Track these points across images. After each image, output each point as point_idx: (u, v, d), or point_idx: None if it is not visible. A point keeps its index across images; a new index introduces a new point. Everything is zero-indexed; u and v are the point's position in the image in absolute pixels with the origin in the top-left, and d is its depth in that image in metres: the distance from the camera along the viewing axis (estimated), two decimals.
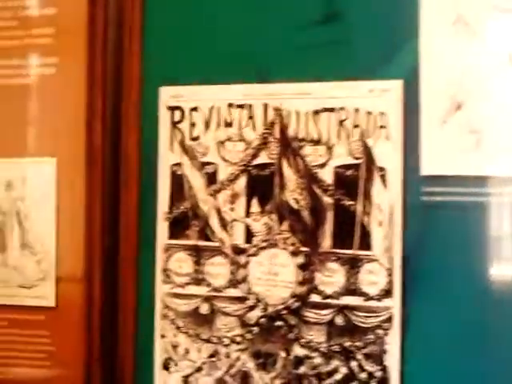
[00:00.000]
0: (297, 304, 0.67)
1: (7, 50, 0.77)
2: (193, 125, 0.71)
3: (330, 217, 0.67)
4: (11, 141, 0.78)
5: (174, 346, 0.72)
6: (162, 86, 0.72)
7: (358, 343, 0.65)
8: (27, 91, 0.77)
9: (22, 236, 0.77)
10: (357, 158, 0.66)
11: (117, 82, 0.75)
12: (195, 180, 0.71)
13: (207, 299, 0.71)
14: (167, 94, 0.72)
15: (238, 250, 0.70)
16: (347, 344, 0.65)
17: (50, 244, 0.75)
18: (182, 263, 0.72)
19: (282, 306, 0.68)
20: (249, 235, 0.69)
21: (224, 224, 0.70)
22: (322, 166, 0.67)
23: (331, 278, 0.66)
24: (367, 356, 0.65)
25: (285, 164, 0.68)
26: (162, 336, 0.72)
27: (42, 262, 0.76)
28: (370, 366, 0.65)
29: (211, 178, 0.71)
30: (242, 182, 0.70)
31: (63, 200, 0.75)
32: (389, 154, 0.64)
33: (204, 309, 0.71)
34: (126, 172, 0.74)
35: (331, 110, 0.66)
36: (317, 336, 0.67)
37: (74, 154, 0.75)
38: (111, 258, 0.75)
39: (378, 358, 0.64)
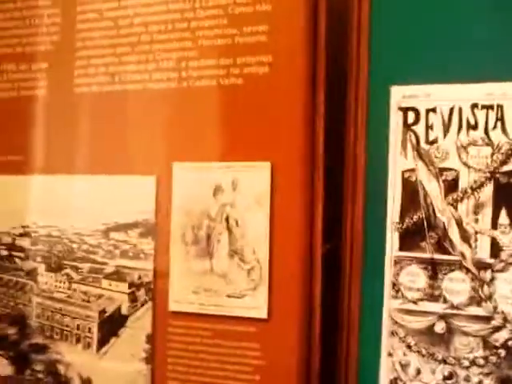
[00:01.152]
0: None
1: (217, 50, 0.76)
2: (430, 127, 0.67)
3: None
4: (219, 144, 0.75)
5: (403, 366, 0.67)
6: (392, 86, 0.69)
7: None
8: (238, 91, 0.75)
9: (231, 243, 0.74)
10: None
11: (339, 81, 0.72)
12: (432, 187, 0.67)
13: (443, 317, 0.66)
14: (399, 94, 0.68)
15: (482, 265, 0.65)
16: None
17: (263, 252, 0.72)
18: (414, 277, 0.67)
19: None
20: (495, 249, 0.64)
21: (466, 236, 0.65)
22: None
23: None
24: None
25: None
26: (389, 354, 0.68)
27: (253, 270, 0.73)
28: None
29: (451, 186, 0.66)
30: (488, 191, 0.64)
31: (278, 206, 0.72)
32: None
33: (440, 327, 0.66)
34: (351, 177, 0.70)
35: None
36: None
37: (290, 158, 0.72)
38: (331, 269, 0.71)
39: None
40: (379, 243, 0.68)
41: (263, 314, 0.72)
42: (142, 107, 0.79)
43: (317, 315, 0.71)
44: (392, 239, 0.68)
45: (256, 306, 0.73)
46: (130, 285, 0.78)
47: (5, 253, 0.85)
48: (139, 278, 0.78)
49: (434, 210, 0.66)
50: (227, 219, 0.75)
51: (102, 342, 0.79)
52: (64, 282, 0.82)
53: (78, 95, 0.82)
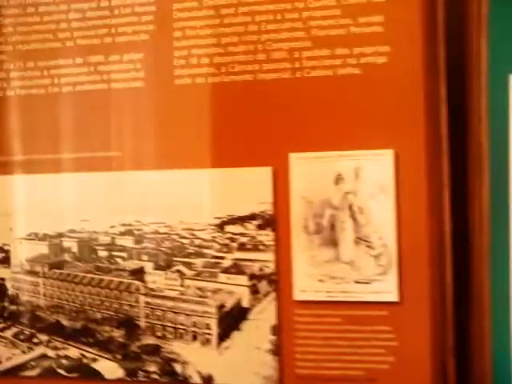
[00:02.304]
0: None
1: (331, 40, 0.77)
2: None
3: None
4: (338, 133, 0.77)
5: None
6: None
7: None
8: (356, 81, 0.77)
9: (356, 230, 0.77)
10: None
11: (458, 68, 0.75)
12: None
13: None
14: None
15: None
16: None
17: (390, 237, 0.76)
18: None
19: None
20: None
21: None
22: None
23: None
24: None
25: None
26: None
27: (381, 256, 0.76)
28: None
29: None
30: None
31: (403, 192, 0.75)
32: None
33: None
34: (475, 162, 0.74)
35: None
36: None
37: (413, 144, 0.75)
38: (461, 249, 0.75)
39: None
40: (504, 226, 0.73)
41: (394, 298, 0.76)
42: (253, 98, 0.79)
43: (448, 295, 0.75)
44: None
45: (387, 290, 0.76)
46: (251, 277, 0.79)
47: (104, 253, 0.84)
48: (260, 269, 0.79)
49: None
50: (350, 207, 0.77)
51: (223, 336, 0.80)
52: (175, 280, 0.81)
53: (179, 87, 0.81)
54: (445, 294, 0.75)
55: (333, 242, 0.77)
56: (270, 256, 0.79)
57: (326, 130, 0.78)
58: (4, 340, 0.87)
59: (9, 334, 0.87)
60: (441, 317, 0.75)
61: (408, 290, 0.76)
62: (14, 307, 0.87)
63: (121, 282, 0.83)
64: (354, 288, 0.77)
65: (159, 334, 0.82)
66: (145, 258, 0.82)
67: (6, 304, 0.87)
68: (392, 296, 0.76)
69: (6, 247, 0.87)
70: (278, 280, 0.79)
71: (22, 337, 0.86)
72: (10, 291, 0.87)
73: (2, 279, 0.87)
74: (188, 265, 0.81)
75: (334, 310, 0.78)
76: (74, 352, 0.85)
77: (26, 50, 0.86)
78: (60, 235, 0.85)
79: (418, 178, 0.75)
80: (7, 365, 0.87)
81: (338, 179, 0.77)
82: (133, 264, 0.83)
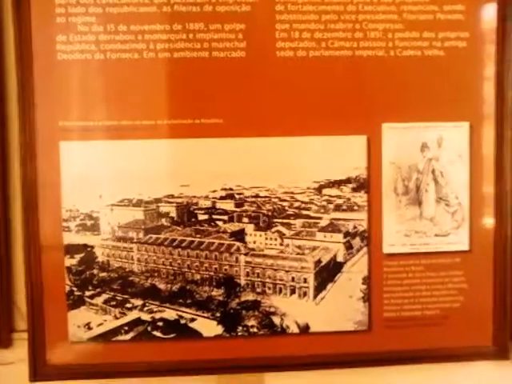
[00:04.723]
0: None
1: (420, 24, 0.90)
2: None
3: None
4: (424, 106, 0.91)
5: None
6: None
7: None
8: (440, 62, 0.90)
9: (437, 191, 0.92)
10: None
11: None
12: None
13: None
14: None
15: None
16: None
17: (465, 197, 0.92)
18: None
19: None
20: None
21: None
22: None
23: None
24: None
25: None
26: None
27: (456, 212, 0.92)
28: None
29: None
30: None
31: (475, 159, 0.92)
32: None
33: None
34: None
35: None
36: None
37: (484, 118, 0.92)
38: None
39: None
40: None
41: (466, 247, 0.93)
42: (351, 72, 0.89)
43: (509, 246, 0.94)
44: None
45: (460, 241, 0.93)
46: (345, 234, 0.91)
47: (204, 217, 0.89)
48: (354, 227, 0.91)
49: None
50: (433, 172, 0.92)
51: (319, 289, 0.91)
52: (275, 239, 0.90)
53: (280, 59, 0.88)
54: (505, 246, 0.94)
55: (417, 202, 0.92)
56: (363, 215, 0.91)
57: (413, 103, 0.91)
58: (95, 307, 0.89)
59: (99, 300, 0.89)
60: (503, 263, 0.94)
61: (477, 241, 0.93)
62: (104, 274, 0.89)
63: (221, 244, 0.90)
64: (434, 240, 0.92)
65: (259, 290, 0.90)
66: (245, 220, 0.90)
67: (96, 271, 0.89)
68: (464, 246, 0.93)
69: (94, 214, 0.88)
70: (370, 236, 0.91)
71: (113, 303, 0.89)
72: (100, 258, 0.89)
73: (91, 246, 0.88)
74: (287, 225, 0.90)
75: (416, 259, 0.93)
76: (170, 314, 0.90)
77: (117, 13, 0.86)
78: (157, 200, 0.88)
79: (488, 147, 0.92)
80: (98, 330, 0.89)
81: (424, 147, 0.91)
82: (233, 226, 0.90)
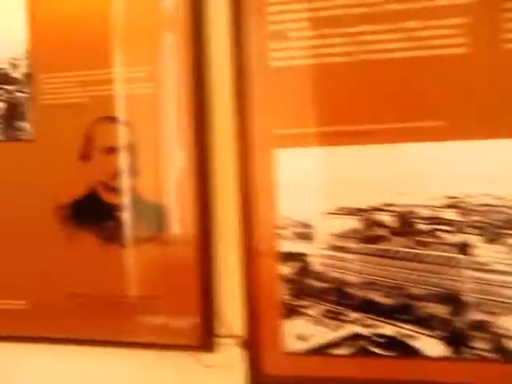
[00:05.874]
0: None
1: None
2: None
3: None
4: None
5: None
6: None
7: None
8: None
9: None
10: None
11: None
12: None
13: None
14: None
15: None
16: None
17: None
18: None
19: None
20: None
21: None
22: None
23: None
24: None
25: None
26: None
27: None
28: None
29: None
30: None
31: None
32: None
33: None
34: None
35: None
36: None
37: None
38: None
39: None
40: None
41: None
42: None
43: None
44: None
45: None
46: None
47: (424, 227, 0.84)
48: None
49: None
50: None
51: None
52: (506, 253, 0.81)
53: (505, 52, 0.80)
54: None
55: None
56: None
57: None
58: (310, 318, 0.88)
59: (315, 311, 0.88)
60: None
61: None
62: (319, 284, 0.88)
63: (443, 257, 0.84)
64: None
65: (486, 309, 0.82)
66: (471, 230, 0.82)
67: (311, 281, 0.88)
68: None
69: (309, 222, 0.88)
70: None
71: (329, 314, 0.88)
72: (315, 267, 0.88)
73: (306, 255, 0.88)
74: None
75: None
76: (389, 329, 0.85)
77: (329, 16, 0.86)
78: (373, 209, 0.85)
79: None
80: (314, 342, 0.88)
81: None
82: (457, 237, 0.83)
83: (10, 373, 1.14)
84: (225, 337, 0.98)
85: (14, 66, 1.08)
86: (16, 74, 1.08)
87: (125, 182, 1.01)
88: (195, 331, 0.97)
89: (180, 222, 0.98)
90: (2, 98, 1.09)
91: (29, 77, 1.06)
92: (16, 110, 1.09)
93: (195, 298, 0.97)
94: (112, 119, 1.01)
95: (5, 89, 1.09)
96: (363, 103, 0.85)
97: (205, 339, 0.97)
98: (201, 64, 0.96)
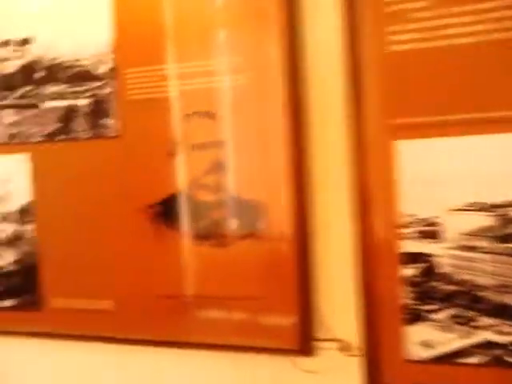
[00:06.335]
0: None
1: None
2: None
3: None
4: None
5: None
6: None
7: None
8: None
9: None
10: None
11: None
12: None
13: None
14: None
15: None
16: None
17: None
18: None
19: None
20: None
21: None
22: None
23: None
24: None
25: None
26: None
27: None
28: None
29: None
30: None
31: None
32: None
33: None
34: None
35: None
36: None
37: None
38: None
39: None
40: None
41: None
42: None
43: None
44: None
45: None
46: None
47: None
48: None
49: None
50: None
51: None
52: None
53: None
54: None
55: None
56: None
57: None
58: (436, 323, 0.81)
59: (442, 316, 0.81)
60: None
61: None
62: (447, 287, 0.81)
63: None
64: None
65: None
66: None
67: (437, 283, 0.81)
68: None
69: (435, 219, 0.81)
70: None
71: (458, 320, 0.80)
72: (442, 269, 0.81)
73: (431, 255, 0.81)
74: None
75: None
76: None
77: None
78: (509, 204, 0.78)
79: None
80: (440, 350, 0.81)
81: None
82: None
83: (97, 372, 1.11)
84: (324, 340, 0.92)
85: (99, 62, 1.04)
86: (100, 70, 1.03)
87: (218, 179, 0.96)
88: (292, 333, 0.92)
89: (277, 219, 0.92)
90: (86, 94, 1.06)
91: (114, 71, 1.02)
92: (101, 107, 1.05)
93: (293, 298, 0.91)
94: (204, 114, 0.96)
95: (89, 85, 1.05)
96: (496, 89, 0.77)
97: (303, 342, 0.92)
98: (298, 54, 0.90)
